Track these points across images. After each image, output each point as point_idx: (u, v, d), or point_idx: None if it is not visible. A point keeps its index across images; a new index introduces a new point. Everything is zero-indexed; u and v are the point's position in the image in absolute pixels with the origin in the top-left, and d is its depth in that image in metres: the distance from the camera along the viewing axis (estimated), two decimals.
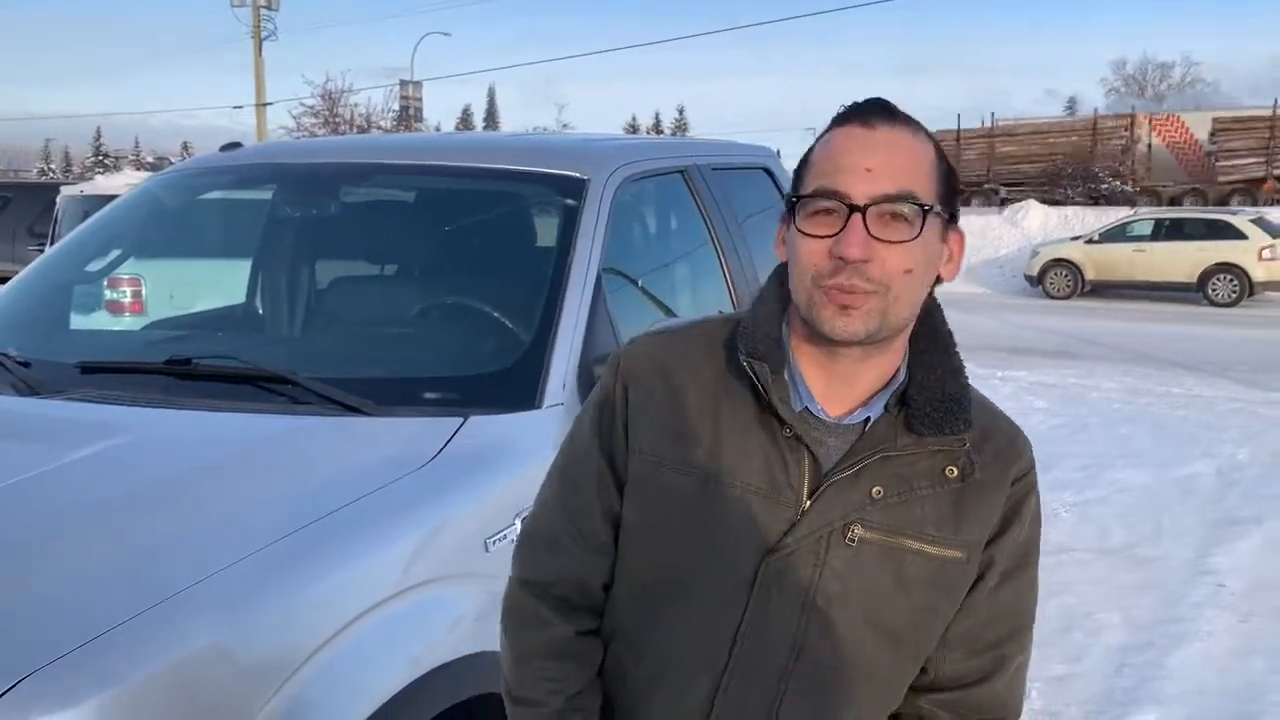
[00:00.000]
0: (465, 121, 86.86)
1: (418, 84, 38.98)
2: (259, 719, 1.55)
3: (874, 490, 1.20)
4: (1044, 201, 27.06)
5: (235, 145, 3.39)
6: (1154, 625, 4.67)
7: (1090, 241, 20.54)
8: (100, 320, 3.46)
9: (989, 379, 11.00)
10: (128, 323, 3.55)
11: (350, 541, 1.76)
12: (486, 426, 2.20)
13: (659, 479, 1.25)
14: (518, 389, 2.33)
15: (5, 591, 1.56)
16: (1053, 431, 8.62)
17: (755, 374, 1.20)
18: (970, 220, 25.61)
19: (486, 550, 2.04)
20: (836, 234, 1.15)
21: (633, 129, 79.31)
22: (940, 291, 1.29)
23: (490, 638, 2.03)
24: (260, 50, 34.69)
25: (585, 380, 2.42)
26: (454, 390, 2.31)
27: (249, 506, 1.80)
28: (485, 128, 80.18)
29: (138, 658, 1.45)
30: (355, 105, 37.23)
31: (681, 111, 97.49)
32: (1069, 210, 26.56)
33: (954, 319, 1.31)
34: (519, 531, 1.42)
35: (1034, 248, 21.77)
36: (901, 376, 1.23)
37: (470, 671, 1.98)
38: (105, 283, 3.54)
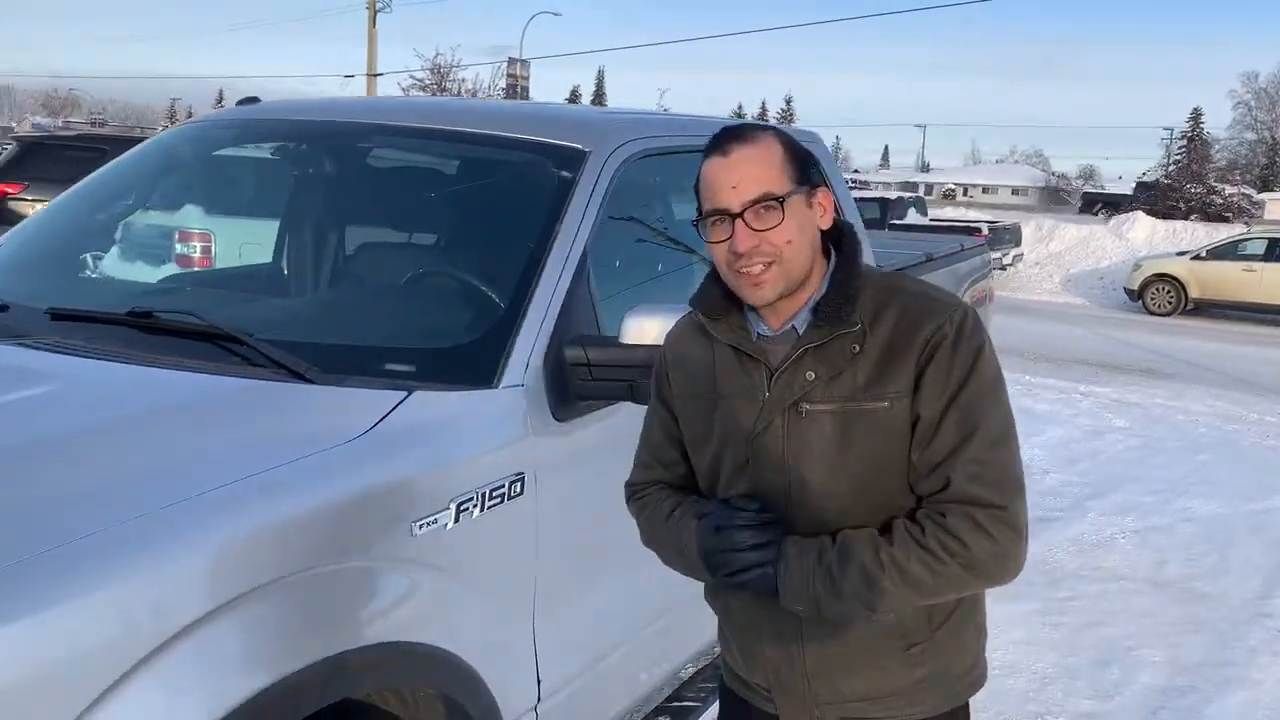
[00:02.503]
0: (572, 102, 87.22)
1: (525, 63, 39.03)
2: (135, 674, 1.46)
3: (807, 374, 1.65)
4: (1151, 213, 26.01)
5: (253, 100, 3.33)
6: (1200, 668, 4.35)
7: (1197, 258, 19.63)
8: (157, 272, 3.43)
9: (1070, 393, 10.56)
10: (158, 274, 3.52)
11: (240, 513, 1.65)
12: (431, 403, 2.08)
13: (690, 408, 1.79)
14: (474, 366, 2.20)
15: None
16: (1127, 453, 8.21)
17: (704, 322, 1.75)
18: (1070, 229, 24.79)
19: (412, 534, 1.92)
20: (730, 237, 1.62)
21: (738, 117, 78.56)
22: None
23: (408, 627, 1.92)
24: (374, 21, 35.21)
25: (554, 362, 2.29)
26: (406, 362, 2.20)
27: (141, 469, 1.71)
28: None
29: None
30: (462, 81, 37.57)
31: (789, 101, 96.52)
32: (1178, 224, 25.50)
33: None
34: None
35: (1136, 261, 20.90)
36: (819, 292, 1.68)
37: (384, 662, 1.86)
38: (176, 236, 3.52)
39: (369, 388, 2.09)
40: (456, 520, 1.99)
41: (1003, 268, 21.78)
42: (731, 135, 1.67)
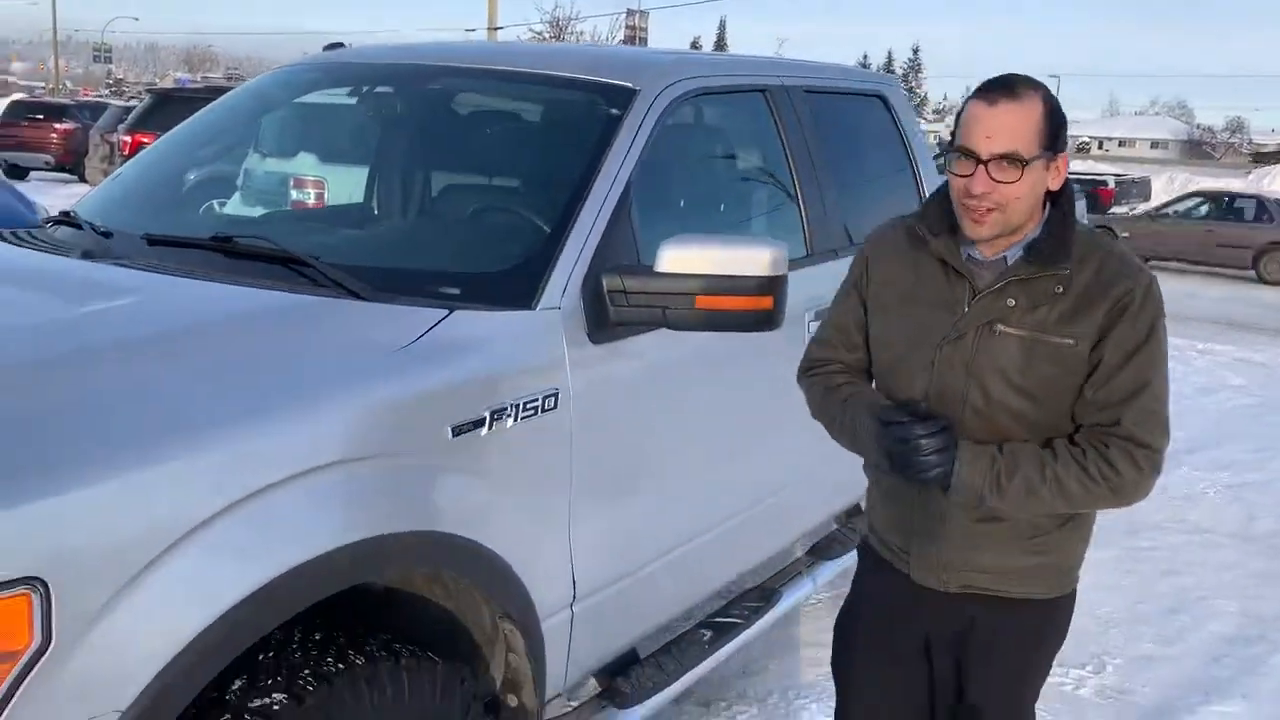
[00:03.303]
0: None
1: (644, 13, 38.87)
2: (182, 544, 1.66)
3: (1009, 301, 1.92)
4: None
5: (338, 45, 3.54)
6: (1274, 620, 4.30)
7: None
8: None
9: (1185, 351, 10.24)
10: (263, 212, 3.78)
11: (285, 405, 1.86)
12: (471, 321, 2.25)
13: (884, 306, 2.07)
14: (514, 289, 2.36)
15: None
16: (1237, 411, 7.98)
17: (923, 234, 2.00)
18: (1205, 183, 23.68)
19: (449, 438, 2.10)
20: (970, 175, 1.86)
21: (863, 68, 76.82)
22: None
23: (443, 519, 2.11)
24: None
25: (593, 288, 2.43)
26: (452, 285, 2.37)
27: (201, 367, 1.93)
28: None
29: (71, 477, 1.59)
30: (581, 33, 37.73)
31: (916, 51, 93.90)
32: None
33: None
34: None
35: None
36: (1034, 234, 1.94)
37: (421, 548, 2.05)
38: (291, 182, 3.78)
39: (415, 306, 2.28)
40: (490, 428, 2.16)
41: None
42: (1002, 86, 1.86)
